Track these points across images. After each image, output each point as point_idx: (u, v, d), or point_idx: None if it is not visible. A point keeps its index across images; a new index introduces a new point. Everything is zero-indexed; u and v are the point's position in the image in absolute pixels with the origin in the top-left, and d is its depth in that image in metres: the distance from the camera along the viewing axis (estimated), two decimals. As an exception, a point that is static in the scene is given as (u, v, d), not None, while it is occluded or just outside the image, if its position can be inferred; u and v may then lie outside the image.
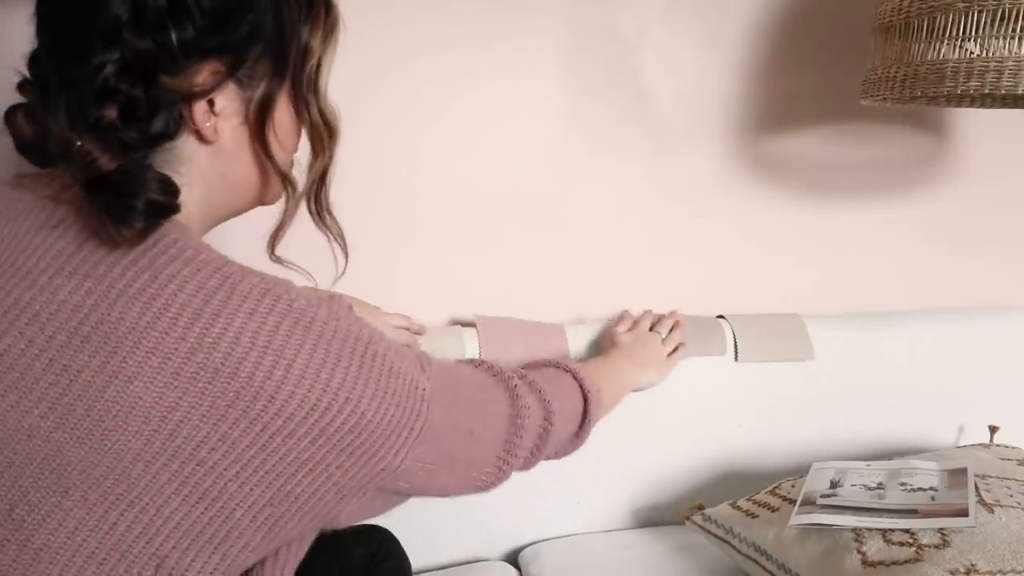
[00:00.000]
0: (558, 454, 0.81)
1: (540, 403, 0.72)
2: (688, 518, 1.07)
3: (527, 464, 0.74)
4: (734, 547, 0.99)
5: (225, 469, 0.51)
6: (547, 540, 1.15)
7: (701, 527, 1.04)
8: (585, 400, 0.81)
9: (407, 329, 1.04)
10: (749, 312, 1.24)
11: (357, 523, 0.60)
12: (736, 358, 1.17)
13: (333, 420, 0.52)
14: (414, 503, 1.11)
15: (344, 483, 0.55)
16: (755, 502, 1.02)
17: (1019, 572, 0.79)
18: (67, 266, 0.53)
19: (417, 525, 1.10)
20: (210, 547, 0.53)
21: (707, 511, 1.05)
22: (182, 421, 0.50)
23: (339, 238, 0.68)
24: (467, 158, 1.12)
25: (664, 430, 1.17)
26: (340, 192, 1.14)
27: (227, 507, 0.52)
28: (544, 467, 1.13)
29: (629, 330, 1.09)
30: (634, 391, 1.01)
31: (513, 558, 1.14)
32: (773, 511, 0.98)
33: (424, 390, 0.58)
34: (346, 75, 1.04)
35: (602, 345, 1.09)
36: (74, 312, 0.52)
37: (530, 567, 1.09)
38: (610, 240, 1.20)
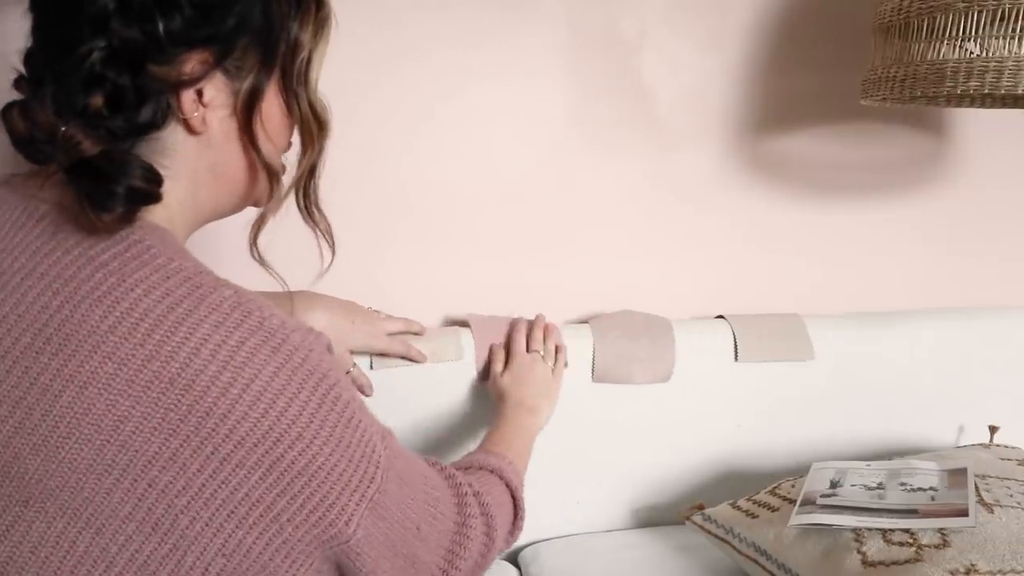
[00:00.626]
0: (499, 553, 0.75)
1: (484, 518, 0.69)
2: (688, 518, 1.07)
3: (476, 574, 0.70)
4: (734, 547, 0.99)
5: (176, 496, 0.49)
6: (547, 540, 1.15)
7: (701, 527, 1.04)
8: (514, 500, 0.78)
9: (407, 332, 1.03)
10: (749, 312, 1.24)
11: None
12: (736, 358, 1.17)
13: (284, 455, 0.50)
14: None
15: (294, 542, 0.52)
16: (755, 502, 1.02)
17: (1019, 572, 0.79)
18: (39, 267, 0.53)
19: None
20: None
21: (707, 511, 1.05)
22: (133, 433, 0.49)
23: (327, 234, 0.68)
24: (466, 159, 1.12)
25: (664, 430, 1.17)
26: (336, 192, 1.14)
27: (179, 546, 0.50)
28: (544, 467, 1.13)
29: (507, 366, 1.02)
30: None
31: (513, 558, 1.14)
32: (773, 511, 0.98)
33: (380, 457, 0.56)
34: (343, 74, 1.04)
35: (491, 396, 1.02)
36: (40, 314, 0.51)
37: (530, 567, 1.09)
38: (610, 241, 1.20)
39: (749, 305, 1.26)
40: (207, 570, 0.51)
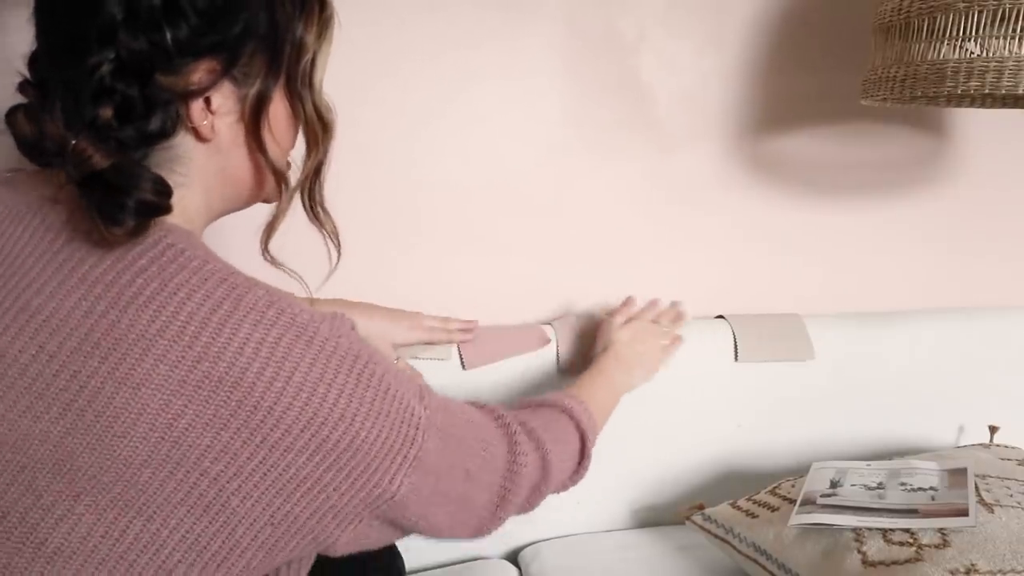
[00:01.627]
0: (559, 491, 0.80)
1: (538, 453, 0.72)
2: (688, 518, 1.07)
3: (523, 510, 0.74)
4: (734, 547, 0.99)
5: (228, 481, 0.52)
6: (547, 540, 1.15)
7: (701, 527, 1.04)
8: (582, 439, 0.80)
9: (444, 329, 1.04)
10: (749, 312, 1.24)
11: (354, 552, 0.60)
12: (736, 358, 1.17)
13: (329, 436, 0.53)
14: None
15: (341, 507, 0.55)
16: (755, 502, 1.02)
17: (1019, 572, 0.79)
18: (75, 272, 0.54)
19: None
20: (213, 564, 0.53)
21: (707, 511, 1.05)
22: (187, 429, 0.51)
23: (332, 234, 0.69)
24: (466, 159, 1.12)
25: (664, 430, 1.17)
26: (339, 193, 1.14)
27: (229, 523, 0.53)
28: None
29: (627, 322, 1.06)
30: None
31: (513, 557, 1.14)
32: (773, 511, 0.98)
33: (420, 418, 0.58)
34: (345, 76, 1.04)
35: (597, 338, 1.06)
36: (84, 318, 0.52)
37: (530, 567, 1.09)
38: (610, 241, 1.20)
39: (749, 305, 1.26)
40: (255, 538, 0.54)
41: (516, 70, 1.10)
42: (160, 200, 0.54)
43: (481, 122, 1.11)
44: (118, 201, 0.52)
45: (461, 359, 1.07)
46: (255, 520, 0.53)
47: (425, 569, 1.09)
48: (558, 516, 1.16)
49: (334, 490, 0.54)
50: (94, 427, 0.51)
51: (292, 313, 0.54)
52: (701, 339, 1.18)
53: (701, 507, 1.06)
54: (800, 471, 1.06)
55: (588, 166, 1.16)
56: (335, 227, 0.69)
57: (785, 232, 1.26)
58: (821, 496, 0.96)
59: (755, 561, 0.95)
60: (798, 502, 0.96)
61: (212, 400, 0.51)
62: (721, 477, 1.20)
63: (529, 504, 0.74)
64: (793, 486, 1.02)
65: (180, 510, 0.52)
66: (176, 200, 0.56)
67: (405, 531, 0.62)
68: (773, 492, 1.03)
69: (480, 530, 0.68)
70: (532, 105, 1.12)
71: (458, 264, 1.15)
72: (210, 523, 0.52)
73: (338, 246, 0.69)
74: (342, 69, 1.03)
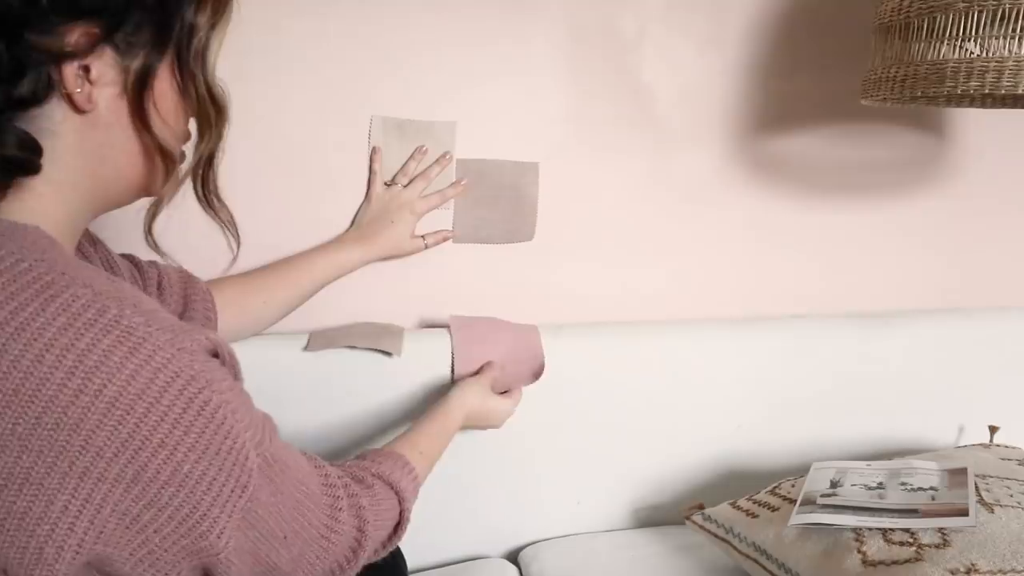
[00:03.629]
0: (369, 561, 0.72)
1: (357, 529, 0.66)
2: (688, 518, 1.07)
3: None
4: (734, 547, 0.99)
5: (36, 522, 0.45)
6: (547, 540, 1.15)
7: (701, 527, 1.04)
8: (400, 512, 0.74)
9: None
10: (749, 312, 1.24)
11: None
12: (735, 359, 1.18)
13: (147, 465, 0.46)
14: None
15: (160, 554, 0.49)
16: (755, 502, 1.02)
17: (1019, 572, 0.79)
18: None
19: (418, 524, 1.09)
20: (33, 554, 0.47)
21: (707, 511, 1.05)
22: None
23: (229, 224, 0.64)
24: (467, 157, 1.12)
25: (664, 430, 1.17)
26: (344, 191, 1.15)
27: (37, 568, 0.46)
28: (544, 467, 1.13)
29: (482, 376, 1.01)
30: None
31: (513, 557, 1.14)
32: (773, 511, 0.98)
33: (253, 465, 0.51)
34: (346, 74, 1.04)
35: (454, 388, 0.98)
36: None
37: (530, 567, 1.09)
38: (608, 240, 1.20)
39: (748, 305, 1.26)
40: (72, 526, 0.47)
41: (517, 69, 1.10)
42: (26, 156, 0.50)
43: (480, 120, 1.10)
44: None
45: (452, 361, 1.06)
46: (68, 569, 0.46)
47: (425, 569, 1.09)
48: (558, 516, 1.16)
49: (155, 532, 0.48)
50: None
51: (118, 314, 0.47)
52: (701, 339, 1.18)
53: (701, 507, 1.06)
54: (800, 471, 1.06)
55: (587, 164, 1.16)
56: (231, 216, 0.64)
57: (785, 232, 1.26)
58: (821, 496, 0.96)
59: (755, 561, 0.95)
60: (798, 502, 0.96)
61: (7, 415, 0.44)
62: (721, 477, 1.20)
63: (335, 573, 0.66)
64: (793, 486, 1.02)
65: None
66: (28, 186, 0.52)
67: None
68: (773, 492, 1.03)
69: None
70: (532, 104, 1.12)
71: (457, 263, 1.15)
72: (17, 564, 0.45)
73: (236, 237, 0.64)
74: (343, 67, 1.04)
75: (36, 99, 0.52)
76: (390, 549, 0.74)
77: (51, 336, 0.45)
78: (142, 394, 0.46)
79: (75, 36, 0.52)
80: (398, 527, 0.74)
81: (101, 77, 0.54)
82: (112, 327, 0.46)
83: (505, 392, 1.03)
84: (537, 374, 1.07)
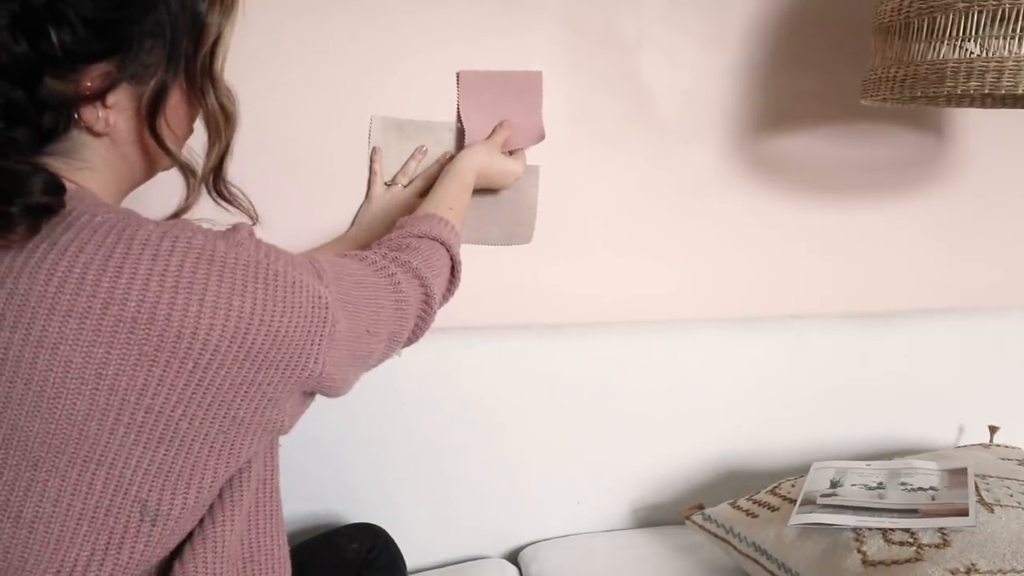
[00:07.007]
0: (438, 309, 0.84)
1: (422, 289, 0.77)
2: (688, 518, 1.07)
3: (412, 342, 0.79)
4: (734, 547, 0.99)
5: (172, 410, 0.53)
6: (547, 540, 1.15)
7: (701, 527, 1.04)
8: (452, 262, 0.85)
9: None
10: (749, 313, 1.24)
11: (298, 418, 0.63)
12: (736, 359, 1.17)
13: (254, 342, 0.54)
14: (412, 504, 1.12)
15: (278, 396, 0.58)
16: (755, 502, 1.02)
17: (1019, 572, 0.79)
18: None
19: (418, 524, 1.10)
20: (182, 482, 0.56)
21: (707, 511, 1.05)
22: (117, 374, 0.51)
23: (247, 207, 0.68)
24: (467, 158, 1.12)
25: (664, 430, 1.17)
26: (346, 188, 1.14)
27: (184, 444, 0.55)
28: (544, 467, 1.14)
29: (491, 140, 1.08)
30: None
31: (513, 557, 1.14)
32: (773, 511, 0.98)
33: (326, 300, 0.60)
34: (346, 73, 1.04)
35: (465, 154, 1.05)
36: None
37: (530, 567, 1.09)
38: (608, 239, 1.20)
39: (748, 304, 1.26)
40: (212, 449, 0.56)
41: (517, 68, 1.10)
42: (50, 200, 0.54)
43: (481, 122, 1.10)
44: (4, 211, 0.51)
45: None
46: (207, 434, 0.55)
47: (425, 569, 1.09)
48: (558, 516, 1.16)
49: (269, 384, 0.56)
50: (27, 395, 0.51)
51: (186, 239, 0.54)
52: (701, 339, 1.18)
53: (701, 507, 1.06)
54: (800, 471, 1.06)
55: (589, 163, 1.16)
56: (247, 198, 0.69)
57: (785, 231, 1.26)
58: (821, 496, 0.96)
59: (755, 561, 0.95)
60: (798, 502, 0.96)
61: (133, 341, 0.51)
62: (721, 477, 1.20)
63: (415, 335, 0.78)
64: (793, 486, 1.02)
65: (136, 449, 0.53)
66: (82, 180, 0.58)
67: (324, 394, 0.65)
68: (773, 492, 1.03)
69: (375, 366, 0.73)
70: (532, 105, 1.12)
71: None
72: (167, 451, 0.54)
73: (255, 216, 0.68)
74: (344, 65, 1.04)
75: (58, 133, 0.56)
76: (455, 290, 0.87)
77: (146, 269, 0.52)
78: (232, 293, 0.54)
79: (92, 79, 0.55)
80: (453, 270, 0.86)
81: (116, 104, 0.58)
82: (187, 249, 0.53)
83: (512, 152, 1.10)
84: (539, 138, 1.11)
